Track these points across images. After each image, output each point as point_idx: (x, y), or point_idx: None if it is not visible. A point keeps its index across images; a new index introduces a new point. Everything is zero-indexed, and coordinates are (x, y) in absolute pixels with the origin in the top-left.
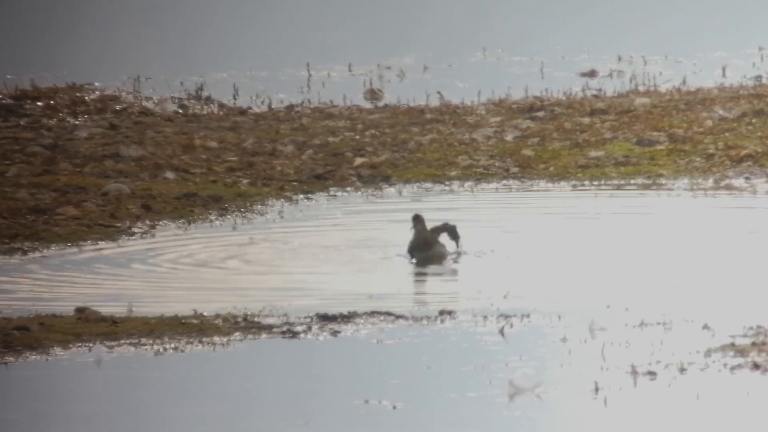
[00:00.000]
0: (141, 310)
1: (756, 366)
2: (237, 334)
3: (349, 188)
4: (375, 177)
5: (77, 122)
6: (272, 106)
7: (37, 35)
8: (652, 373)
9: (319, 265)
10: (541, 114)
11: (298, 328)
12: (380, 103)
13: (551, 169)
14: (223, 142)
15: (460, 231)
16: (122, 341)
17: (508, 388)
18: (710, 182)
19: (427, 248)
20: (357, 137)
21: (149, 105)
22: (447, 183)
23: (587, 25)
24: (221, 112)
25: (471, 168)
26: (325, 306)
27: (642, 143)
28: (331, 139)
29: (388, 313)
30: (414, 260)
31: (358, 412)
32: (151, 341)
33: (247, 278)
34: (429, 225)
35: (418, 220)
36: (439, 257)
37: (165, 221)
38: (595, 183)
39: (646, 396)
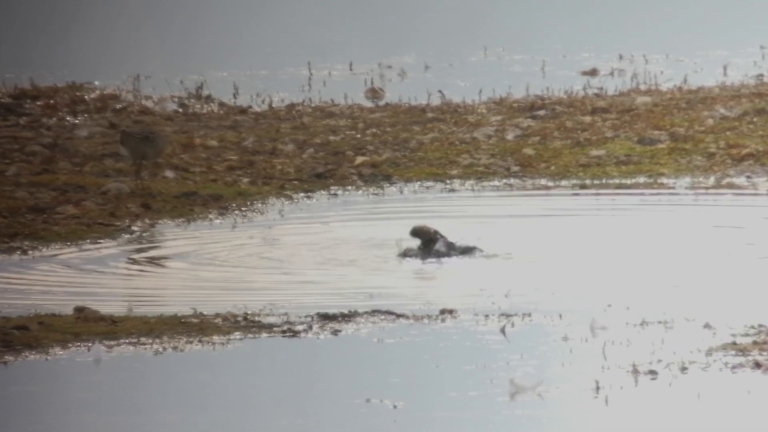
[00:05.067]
0: (140, 309)
1: (757, 365)
2: (237, 333)
3: (350, 187)
4: (376, 176)
5: (77, 121)
6: (273, 105)
7: (36, 34)
8: (653, 372)
9: (320, 264)
10: (542, 113)
11: (299, 327)
12: (381, 102)
13: (552, 168)
14: (223, 140)
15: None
16: (121, 341)
17: (510, 386)
18: (711, 181)
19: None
20: (358, 136)
21: (149, 104)
22: (448, 182)
23: (588, 23)
24: (221, 111)
25: (472, 167)
26: (326, 305)
27: (643, 142)
28: (331, 137)
29: (389, 312)
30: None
31: (359, 411)
32: (150, 341)
33: (247, 277)
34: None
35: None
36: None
37: (165, 220)
38: (597, 182)
39: (647, 395)
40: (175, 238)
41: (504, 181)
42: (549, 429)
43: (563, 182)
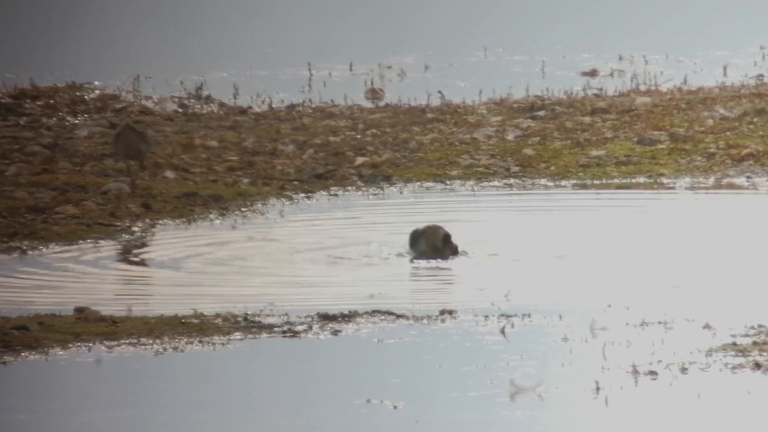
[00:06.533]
0: (140, 309)
1: (757, 365)
2: (237, 333)
3: (350, 188)
4: (376, 176)
5: (77, 121)
6: (273, 106)
7: (36, 34)
8: (653, 373)
9: (320, 264)
10: (542, 113)
11: (299, 328)
12: (381, 103)
13: (552, 168)
14: (223, 141)
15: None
16: (122, 341)
17: (509, 387)
18: (711, 181)
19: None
20: (358, 137)
21: (149, 104)
22: (448, 182)
23: (588, 24)
24: (221, 112)
25: (472, 167)
26: (326, 305)
27: (643, 142)
28: (332, 138)
29: (389, 313)
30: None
31: (359, 411)
32: (150, 341)
33: (247, 278)
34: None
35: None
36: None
37: (165, 220)
38: (596, 182)
39: (647, 395)
40: (175, 238)
41: (504, 181)
42: (549, 429)
43: (563, 182)
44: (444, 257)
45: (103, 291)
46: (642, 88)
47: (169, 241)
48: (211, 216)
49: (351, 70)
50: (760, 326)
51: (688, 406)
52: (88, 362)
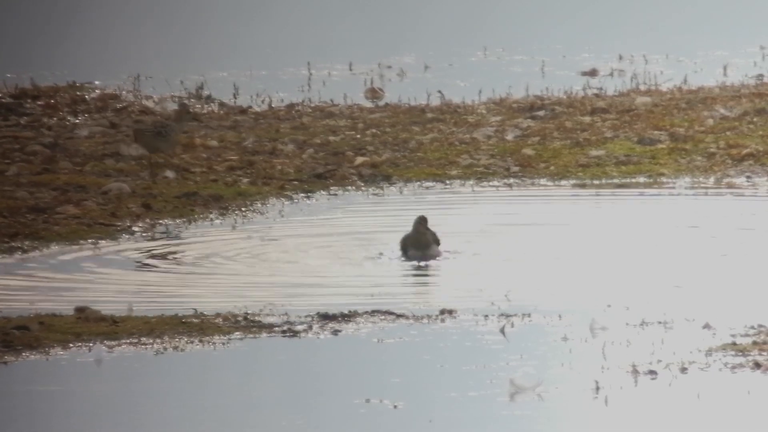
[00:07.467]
0: (141, 309)
1: (757, 365)
2: (237, 333)
3: (349, 187)
4: (376, 176)
5: (77, 121)
6: (273, 105)
7: (37, 34)
8: (652, 373)
9: (320, 264)
10: (541, 113)
11: (299, 327)
12: (381, 102)
13: (552, 168)
14: (223, 141)
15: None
16: (122, 341)
17: (509, 387)
18: (711, 181)
19: (423, 247)
20: (358, 136)
21: (149, 104)
22: (448, 182)
23: (588, 24)
24: (221, 111)
25: (472, 167)
26: (326, 305)
27: (643, 142)
28: (331, 138)
29: (389, 312)
30: (406, 257)
31: (359, 411)
32: (151, 341)
33: (247, 277)
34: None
35: (423, 221)
36: (432, 257)
37: (165, 220)
38: (596, 182)
39: (646, 395)
40: (176, 237)
41: (504, 181)
42: (549, 429)
43: (563, 182)
44: (428, 251)
45: (103, 290)
46: (642, 87)
47: (168, 240)
48: (211, 216)
49: (351, 69)
50: (760, 326)
51: (688, 406)
52: (88, 362)
